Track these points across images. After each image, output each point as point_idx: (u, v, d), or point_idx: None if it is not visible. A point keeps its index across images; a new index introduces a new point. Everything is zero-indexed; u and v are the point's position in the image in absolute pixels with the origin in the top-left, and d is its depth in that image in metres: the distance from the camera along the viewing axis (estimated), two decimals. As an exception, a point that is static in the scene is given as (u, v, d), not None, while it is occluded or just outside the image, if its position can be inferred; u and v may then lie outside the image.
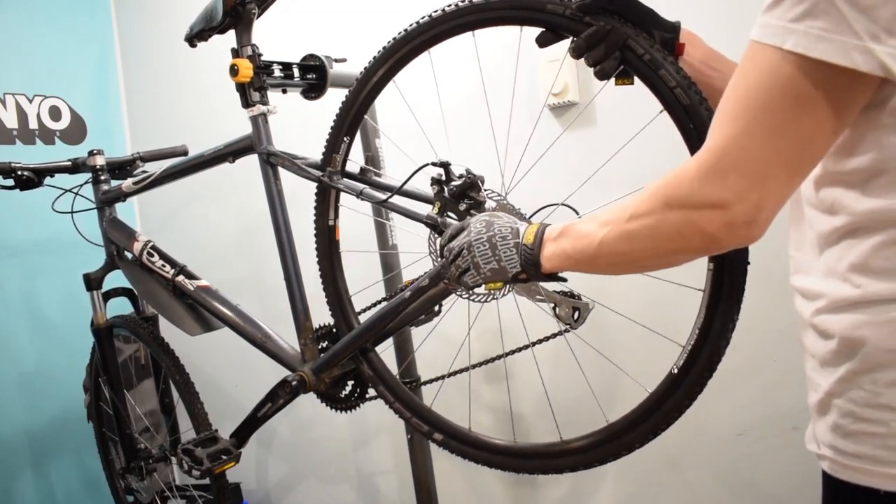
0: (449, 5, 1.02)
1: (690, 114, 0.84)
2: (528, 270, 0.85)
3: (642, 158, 1.25)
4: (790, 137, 0.60)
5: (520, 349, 1.23)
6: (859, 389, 0.65)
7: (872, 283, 0.63)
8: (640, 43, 0.85)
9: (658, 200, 0.68)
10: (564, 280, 0.91)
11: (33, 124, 2.21)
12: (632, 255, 0.73)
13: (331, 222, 1.25)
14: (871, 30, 0.55)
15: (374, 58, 1.13)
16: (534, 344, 1.21)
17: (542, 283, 1.03)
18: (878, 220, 0.62)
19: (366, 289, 1.38)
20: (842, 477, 0.67)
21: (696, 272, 0.90)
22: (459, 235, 0.91)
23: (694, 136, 0.84)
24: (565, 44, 0.93)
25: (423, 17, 1.05)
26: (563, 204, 1.05)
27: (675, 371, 0.92)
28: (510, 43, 1.40)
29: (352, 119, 1.18)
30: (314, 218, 1.26)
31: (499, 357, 1.31)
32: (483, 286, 0.90)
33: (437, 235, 1.09)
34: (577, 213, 1.03)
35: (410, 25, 1.07)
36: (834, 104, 0.59)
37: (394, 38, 1.09)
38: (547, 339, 1.16)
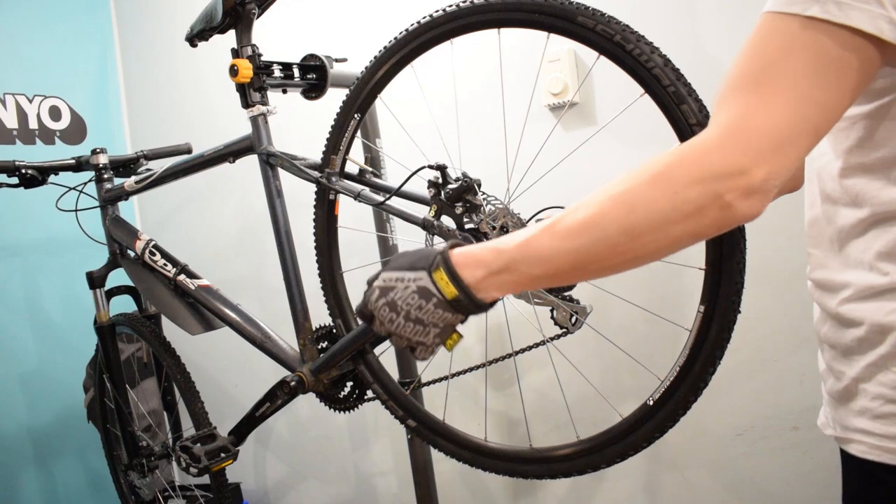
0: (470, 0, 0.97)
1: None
2: (474, 313, 0.74)
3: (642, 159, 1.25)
4: (814, 105, 0.60)
5: (517, 352, 1.23)
6: (889, 372, 0.66)
7: None
8: None
9: (670, 180, 0.62)
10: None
11: (33, 124, 2.21)
12: (634, 250, 0.64)
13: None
14: (894, 1, 0.57)
15: (380, 52, 1.10)
16: (518, 352, 1.21)
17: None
18: None
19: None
20: (871, 458, 0.68)
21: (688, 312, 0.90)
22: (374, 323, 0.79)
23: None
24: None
25: (447, 7, 1.00)
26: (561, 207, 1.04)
27: (651, 403, 0.93)
28: (510, 44, 1.39)
29: (352, 119, 1.16)
30: (313, 219, 1.26)
31: (498, 359, 1.31)
32: (445, 348, 0.78)
33: (433, 237, 1.09)
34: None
35: (424, 17, 1.03)
36: (854, 73, 0.60)
37: (406, 30, 1.06)
38: (535, 346, 1.16)
